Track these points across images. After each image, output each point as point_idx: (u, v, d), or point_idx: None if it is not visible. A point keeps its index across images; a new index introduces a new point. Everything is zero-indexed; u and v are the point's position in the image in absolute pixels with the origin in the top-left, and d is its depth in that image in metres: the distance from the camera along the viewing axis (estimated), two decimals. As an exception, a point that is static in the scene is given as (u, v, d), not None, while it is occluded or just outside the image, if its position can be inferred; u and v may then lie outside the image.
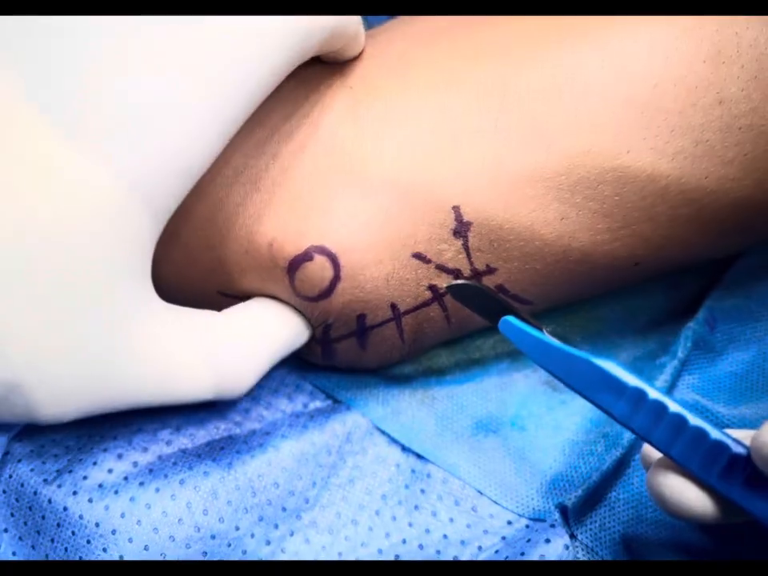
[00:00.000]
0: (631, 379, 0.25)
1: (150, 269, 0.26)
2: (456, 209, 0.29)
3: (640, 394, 0.25)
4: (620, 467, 0.31)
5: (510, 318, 0.28)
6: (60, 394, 0.25)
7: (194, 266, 0.31)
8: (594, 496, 0.31)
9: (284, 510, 0.31)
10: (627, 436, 0.32)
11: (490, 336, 0.36)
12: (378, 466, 0.33)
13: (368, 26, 0.41)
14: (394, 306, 0.30)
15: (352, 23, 0.28)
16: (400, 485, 0.33)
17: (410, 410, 0.34)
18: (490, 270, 0.30)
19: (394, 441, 0.33)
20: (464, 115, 0.29)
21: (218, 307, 0.31)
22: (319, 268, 0.29)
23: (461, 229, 0.29)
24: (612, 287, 0.33)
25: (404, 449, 0.33)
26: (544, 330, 0.27)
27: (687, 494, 0.24)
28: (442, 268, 0.30)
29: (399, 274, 0.30)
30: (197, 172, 0.25)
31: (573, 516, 0.30)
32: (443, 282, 0.30)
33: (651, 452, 0.26)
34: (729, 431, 0.24)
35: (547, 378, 0.35)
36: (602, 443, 0.32)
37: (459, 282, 0.29)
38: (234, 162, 0.29)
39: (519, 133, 0.28)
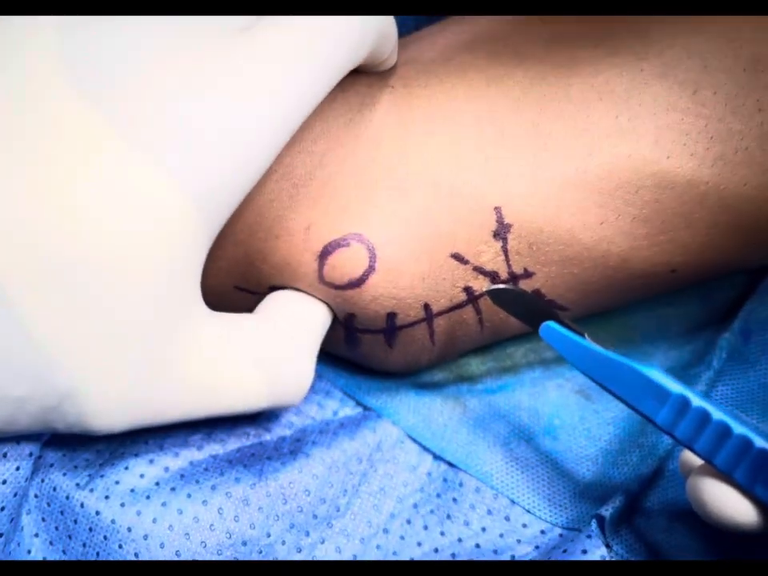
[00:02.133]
0: (675, 386, 0.25)
1: (200, 281, 0.27)
2: (497, 210, 0.29)
3: (684, 401, 0.25)
4: (654, 477, 0.32)
5: (552, 324, 0.28)
6: (112, 405, 0.25)
7: (216, 261, 0.31)
8: (630, 506, 0.31)
9: (315, 517, 0.32)
10: (663, 447, 0.32)
11: (522, 344, 0.36)
12: (409, 475, 0.33)
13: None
14: (426, 307, 0.30)
15: (394, 28, 0.29)
16: (432, 493, 0.33)
17: (442, 418, 0.34)
18: (527, 274, 0.30)
19: (425, 449, 0.34)
20: (506, 118, 0.29)
21: (233, 302, 0.32)
22: (354, 255, 0.29)
23: (501, 230, 0.29)
24: (647, 295, 0.33)
25: (435, 457, 0.34)
26: (586, 336, 0.27)
27: (730, 502, 0.24)
28: (479, 270, 0.30)
29: (435, 273, 0.30)
30: (251, 185, 0.26)
31: (609, 526, 0.30)
32: (479, 284, 0.30)
33: (691, 459, 0.26)
34: None
35: (580, 387, 0.35)
36: (637, 453, 0.32)
37: (499, 286, 0.29)
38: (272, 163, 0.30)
39: (560, 137, 0.29)
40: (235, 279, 0.32)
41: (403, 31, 0.40)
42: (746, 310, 0.35)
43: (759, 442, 0.24)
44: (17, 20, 0.24)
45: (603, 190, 0.29)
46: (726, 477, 0.24)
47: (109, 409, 0.25)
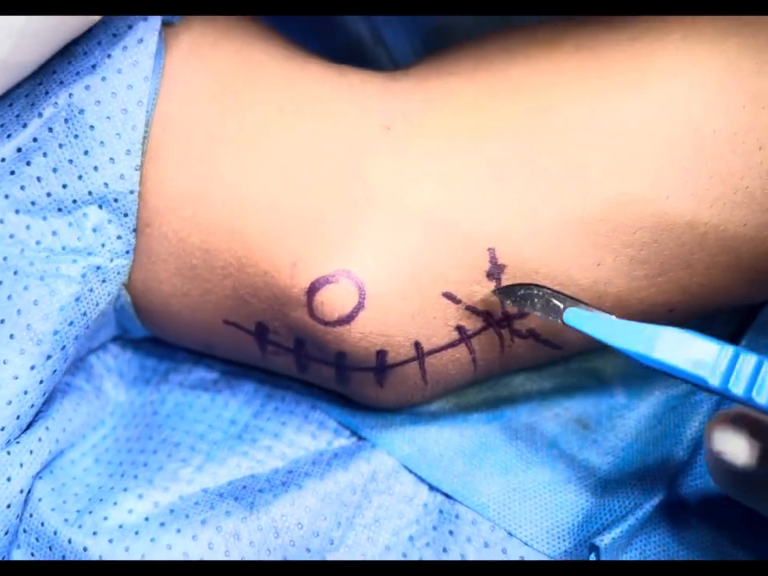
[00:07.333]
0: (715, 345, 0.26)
1: None
2: (491, 251, 0.30)
3: (732, 356, 0.25)
4: (655, 512, 0.32)
5: (576, 310, 0.28)
6: None
7: (205, 294, 0.32)
8: (627, 539, 0.32)
9: (308, 551, 0.33)
10: (665, 479, 0.33)
11: (519, 373, 0.37)
12: (404, 506, 0.34)
13: (394, 66, 0.42)
14: (417, 345, 0.31)
15: None
16: (428, 526, 0.33)
17: (437, 448, 0.35)
18: (522, 314, 0.31)
19: (421, 480, 0.34)
20: (502, 157, 0.30)
21: (222, 337, 0.33)
22: (343, 292, 0.30)
23: (494, 271, 0.30)
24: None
25: (431, 488, 0.34)
26: (614, 317, 0.28)
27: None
28: (472, 309, 0.31)
29: (426, 311, 0.30)
30: None
31: (605, 557, 0.31)
32: (472, 323, 0.31)
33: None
34: None
35: (578, 416, 0.36)
36: (639, 487, 0.33)
37: (506, 285, 0.29)
38: (256, 195, 0.31)
39: (557, 176, 0.29)
40: (223, 313, 0.32)
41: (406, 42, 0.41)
42: (744, 341, 0.35)
43: None
44: None
45: (600, 230, 0.29)
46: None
47: None
